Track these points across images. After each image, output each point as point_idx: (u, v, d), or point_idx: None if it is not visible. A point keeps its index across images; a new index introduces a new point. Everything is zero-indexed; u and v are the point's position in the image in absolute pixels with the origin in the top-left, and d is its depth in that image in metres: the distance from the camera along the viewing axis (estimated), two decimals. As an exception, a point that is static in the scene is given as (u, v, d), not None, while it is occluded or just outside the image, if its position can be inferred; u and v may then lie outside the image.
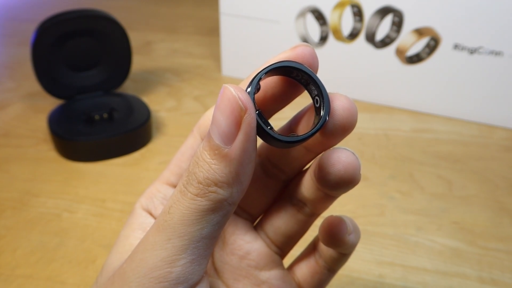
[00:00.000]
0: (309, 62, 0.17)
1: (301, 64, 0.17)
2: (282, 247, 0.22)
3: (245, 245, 0.21)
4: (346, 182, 0.17)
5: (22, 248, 0.35)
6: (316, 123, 0.17)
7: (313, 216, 0.21)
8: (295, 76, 0.18)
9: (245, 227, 0.21)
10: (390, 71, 0.53)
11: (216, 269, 0.21)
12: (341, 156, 0.17)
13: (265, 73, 0.17)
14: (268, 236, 0.21)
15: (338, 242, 0.20)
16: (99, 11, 0.49)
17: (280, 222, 0.21)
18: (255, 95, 0.17)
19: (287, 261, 0.23)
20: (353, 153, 0.17)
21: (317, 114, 0.17)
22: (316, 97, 0.17)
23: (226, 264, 0.21)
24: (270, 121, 0.20)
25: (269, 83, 0.18)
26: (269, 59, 0.18)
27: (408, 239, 0.36)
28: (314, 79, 0.17)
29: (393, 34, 0.51)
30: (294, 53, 0.17)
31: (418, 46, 0.50)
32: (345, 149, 0.17)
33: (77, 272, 0.33)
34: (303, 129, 0.19)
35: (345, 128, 0.17)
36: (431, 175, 0.43)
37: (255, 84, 0.16)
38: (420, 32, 0.50)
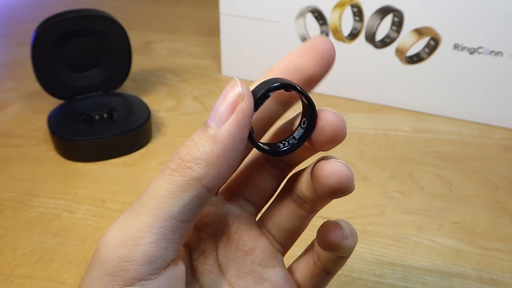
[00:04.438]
0: (325, 50, 0.18)
1: (304, 91, 0.18)
2: (284, 244, 0.22)
3: (250, 241, 0.21)
4: (340, 192, 0.18)
5: (22, 248, 0.35)
6: (297, 137, 0.19)
7: (313, 212, 0.21)
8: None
9: (250, 223, 0.21)
10: (390, 71, 0.53)
11: (220, 266, 0.21)
12: (334, 169, 0.18)
13: (274, 90, 0.17)
14: (271, 233, 0.22)
15: (335, 246, 0.20)
16: (99, 11, 0.49)
17: (283, 218, 0.21)
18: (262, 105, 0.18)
19: (286, 262, 0.23)
20: (346, 165, 0.18)
21: (296, 128, 0.19)
22: (304, 119, 0.18)
23: (231, 260, 0.21)
24: None
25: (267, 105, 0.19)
26: (283, 57, 0.18)
27: (408, 239, 0.36)
28: (312, 105, 0.18)
29: (393, 34, 0.51)
30: (312, 41, 0.18)
31: (418, 46, 0.50)
32: (339, 161, 0.18)
33: (77, 272, 0.33)
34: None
35: (335, 141, 0.18)
36: (431, 175, 0.43)
37: (263, 97, 0.17)
38: (420, 32, 0.50)
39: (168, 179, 0.16)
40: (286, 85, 0.17)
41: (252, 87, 0.18)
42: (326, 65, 0.18)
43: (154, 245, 0.16)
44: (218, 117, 0.15)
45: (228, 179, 0.17)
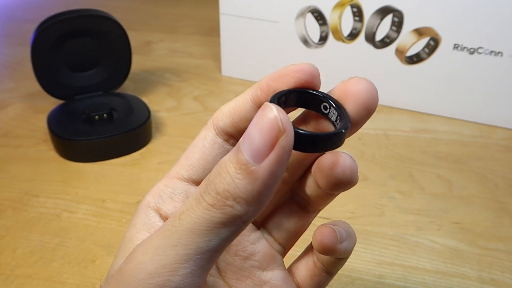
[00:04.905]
0: (310, 82, 0.18)
1: (315, 90, 0.18)
2: (285, 244, 0.22)
3: (249, 246, 0.21)
4: (345, 184, 0.18)
5: (22, 248, 0.35)
6: (338, 125, 0.18)
7: (314, 212, 0.21)
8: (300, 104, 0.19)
9: (250, 228, 0.21)
10: (390, 71, 0.53)
11: (218, 269, 0.21)
12: (339, 159, 0.18)
13: (281, 96, 0.17)
14: (271, 234, 0.22)
15: (330, 250, 0.20)
16: (99, 11, 0.49)
17: (284, 219, 0.21)
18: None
19: (287, 262, 0.23)
20: (351, 156, 0.18)
21: (330, 119, 0.18)
22: (324, 104, 0.18)
23: (229, 264, 0.21)
24: None
25: None
26: (276, 70, 0.18)
27: (408, 239, 0.36)
28: (318, 95, 0.18)
29: (393, 34, 0.51)
30: (297, 67, 0.18)
31: (418, 46, 0.50)
32: (343, 152, 0.18)
33: (77, 272, 0.33)
34: (319, 116, 0.19)
35: (369, 109, 0.18)
36: (431, 175, 0.43)
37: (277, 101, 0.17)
38: (420, 32, 0.50)
39: (207, 214, 0.15)
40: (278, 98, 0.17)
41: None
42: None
43: (190, 275, 0.15)
44: (255, 151, 0.14)
45: None
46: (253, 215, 0.15)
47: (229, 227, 0.15)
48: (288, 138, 0.14)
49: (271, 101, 0.17)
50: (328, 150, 0.17)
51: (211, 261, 0.16)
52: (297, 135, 0.15)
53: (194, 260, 0.15)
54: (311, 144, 0.16)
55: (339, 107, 0.17)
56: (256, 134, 0.14)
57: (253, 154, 0.14)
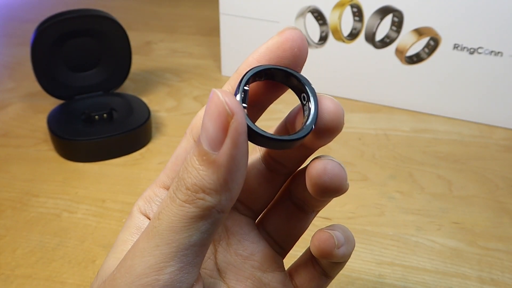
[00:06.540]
0: (299, 45, 0.17)
1: (291, 69, 0.17)
2: (284, 246, 0.22)
3: (250, 245, 0.21)
4: (333, 192, 0.18)
5: (22, 248, 0.35)
6: (303, 126, 0.17)
7: (313, 213, 0.21)
8: (282, 81, 0.18)
9: (249, 227, 0.21)
10: (390, 71, 0.53)
11: (219, 270, 0.21)
12: (327, 167, 0.17)
13: (251, 76, 0.17)
14: (270, 235, 0.21)
15: (327, 255, 0.20)
16: (99, 11, 0.49)
17: (282, 220, 0.21)
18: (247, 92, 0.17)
19: (286, 262, 0.23)
20: (339, 164, 0.18)
21: (304, 112, 0.17)
22: (303, 94, 0.17)
23: (230, 264, 0.21)
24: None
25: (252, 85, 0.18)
26: (258, 48, 0.18)
27: (408, 239, 0.36)
28: (302, 82, 0.17)
29: (393, 34, 0.51)
30: (282, 37, 0.17)
31: (418, 46, 0.50)
32: (331, 159, 0.18)
33: (77, 272, 0.33)
34: (299, 126, 0.19)
35: (332, 131, 0.17)
36: (431, 175, 0.43)
37: (242, 88, 0.16)
38: (420, 32, 0.50)
39: (181, 210, 0.15)
40: (256, 74, 0.17)
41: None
42: (300, 61, 0.18)
43: (178, 272, 0.16)
44: (211, 139, 0.14)
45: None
46: (228, 203, 0.15)
47: (207, 219, 0.15)
48: (239, 120, 0.14)
49: (243, 78, 0.17)
50: (276, 149, 0.17)
51: (198, 256, 0.16)
52: (248, 128, 0.15)
53: (179, 257, 0.15)
54: (259, 140, 0.16)
55: (315, 108, 0.17)
56: (208, 123, 0.14)
57: (210, 143, 0.14)
